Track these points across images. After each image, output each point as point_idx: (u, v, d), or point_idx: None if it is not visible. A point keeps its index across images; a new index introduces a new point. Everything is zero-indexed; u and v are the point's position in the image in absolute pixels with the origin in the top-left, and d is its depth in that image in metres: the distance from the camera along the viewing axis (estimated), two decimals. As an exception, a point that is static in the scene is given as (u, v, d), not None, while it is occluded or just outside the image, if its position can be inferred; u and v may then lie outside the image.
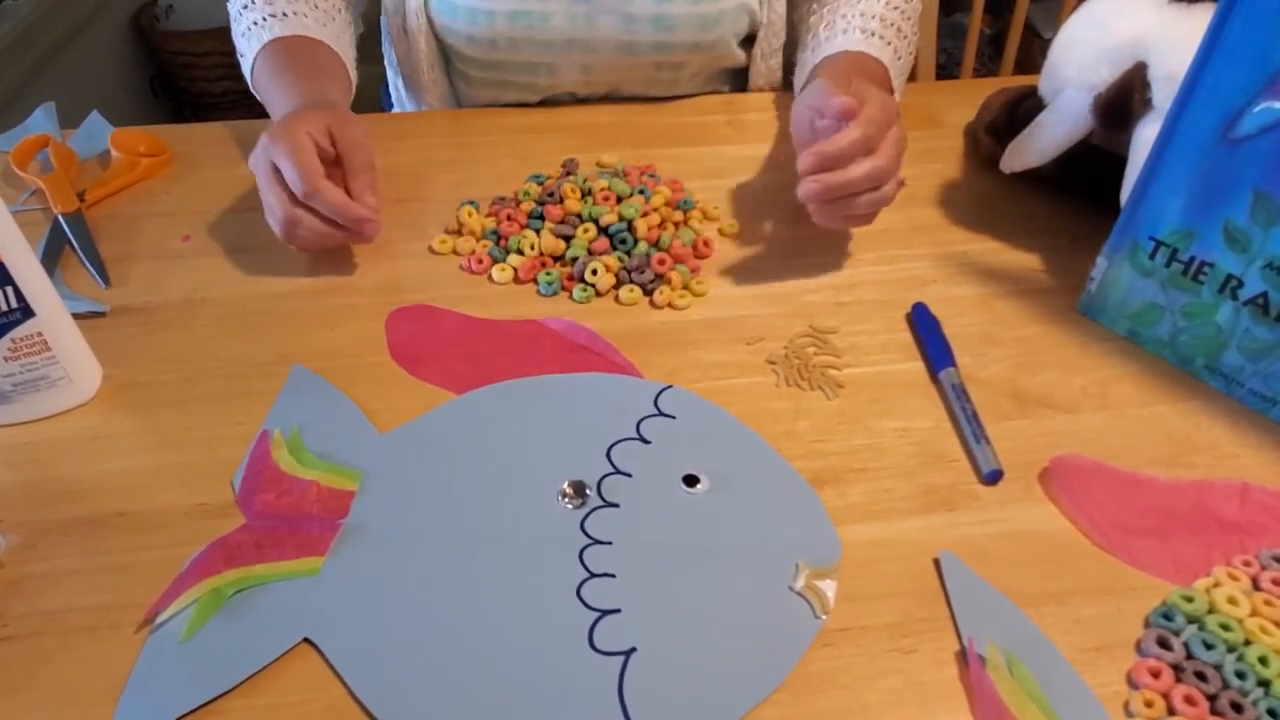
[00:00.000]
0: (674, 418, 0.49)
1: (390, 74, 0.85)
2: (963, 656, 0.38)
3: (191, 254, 0.61)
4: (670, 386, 0.51)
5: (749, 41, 0.77)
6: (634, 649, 0.38)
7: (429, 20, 0.73)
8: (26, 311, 0.45)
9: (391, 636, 0.38)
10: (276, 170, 0.54)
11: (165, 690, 0.36)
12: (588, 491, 0.44)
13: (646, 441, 0.47)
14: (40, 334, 0.46)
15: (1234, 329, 0.49)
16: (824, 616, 0.40)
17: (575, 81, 0.76)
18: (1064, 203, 0.65)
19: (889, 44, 0.67)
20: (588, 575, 0.41)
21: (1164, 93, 0.53)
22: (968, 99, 0.74)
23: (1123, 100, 0.55)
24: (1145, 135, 0.53)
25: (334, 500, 0.44)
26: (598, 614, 0.39)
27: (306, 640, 0.38)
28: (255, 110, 0.69)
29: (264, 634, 0.38)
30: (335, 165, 0.56)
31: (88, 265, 0.59)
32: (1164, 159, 0.49)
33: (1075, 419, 0.50)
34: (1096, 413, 0.50)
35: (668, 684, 0.37)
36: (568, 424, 0.48)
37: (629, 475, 0.45)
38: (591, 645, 0.38)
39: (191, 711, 0.36)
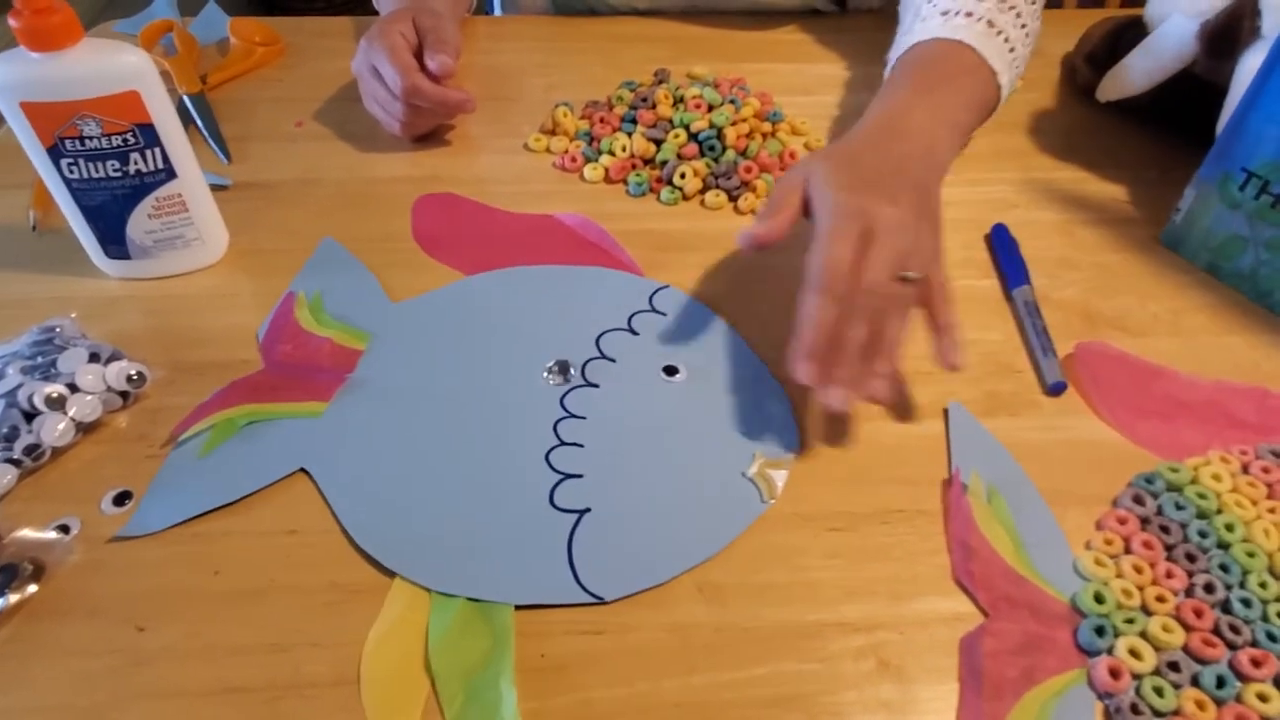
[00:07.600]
0: (665, 315, 0.51)
1: None
2: (948, 484, 0.42)
3: (304, 138, 0.65)
4: (666, 286, 0.53)
5: None
6: (588, 509, 0.41)
7: None
8: (170, 173, 0.49)
9: (375, 474, 0.42)
10: (377, 71, 0.59)
11: (183, 494, 0.42)
12: (571, 371, 0.47)
13: (635, 333, 0.50)
14: (180, 195, 0.50)
15: (1318, 264, 0.49)
16: (770, 501, 0.42)
17: None
18: (1156, 135, 0.65)
19: (979, 20, 0.54)
20: (558, 443, 0.44)
21: (1274, 20, 0.52)
22: (1069, 29, 0.73)
23: (1231, 27, 0.54)
24: (1250, 64, 0.53)
25: (344, 357, 0.48)
26: (561, 476, 0.42)
27: (303, 471, 0.43)
28: (341, 11, 0.73)
29: (268, 459, 0.43)
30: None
31: (211, 142, 0.63)
32: (1265, 88, 0.48)
33: (1144, 342, 0.51)
34: (1167, 338, 0.51)
35: (612, 541, 0.40)
36: (563, 310, 0.51)
37: (613, 361, 0.48)
38: (551, 502, 0.41)
39: (204, 514, 0.41)
